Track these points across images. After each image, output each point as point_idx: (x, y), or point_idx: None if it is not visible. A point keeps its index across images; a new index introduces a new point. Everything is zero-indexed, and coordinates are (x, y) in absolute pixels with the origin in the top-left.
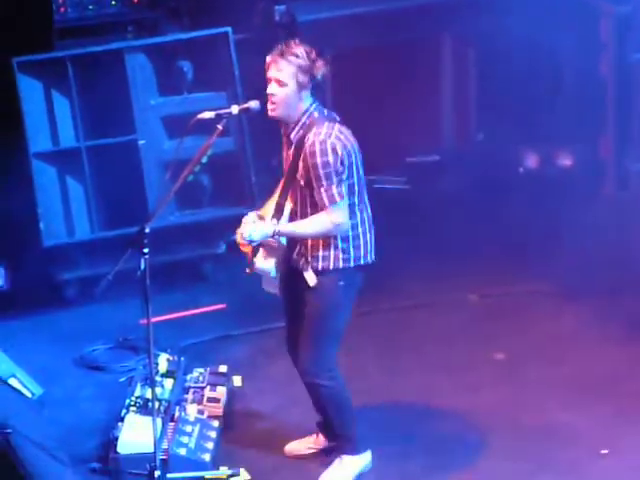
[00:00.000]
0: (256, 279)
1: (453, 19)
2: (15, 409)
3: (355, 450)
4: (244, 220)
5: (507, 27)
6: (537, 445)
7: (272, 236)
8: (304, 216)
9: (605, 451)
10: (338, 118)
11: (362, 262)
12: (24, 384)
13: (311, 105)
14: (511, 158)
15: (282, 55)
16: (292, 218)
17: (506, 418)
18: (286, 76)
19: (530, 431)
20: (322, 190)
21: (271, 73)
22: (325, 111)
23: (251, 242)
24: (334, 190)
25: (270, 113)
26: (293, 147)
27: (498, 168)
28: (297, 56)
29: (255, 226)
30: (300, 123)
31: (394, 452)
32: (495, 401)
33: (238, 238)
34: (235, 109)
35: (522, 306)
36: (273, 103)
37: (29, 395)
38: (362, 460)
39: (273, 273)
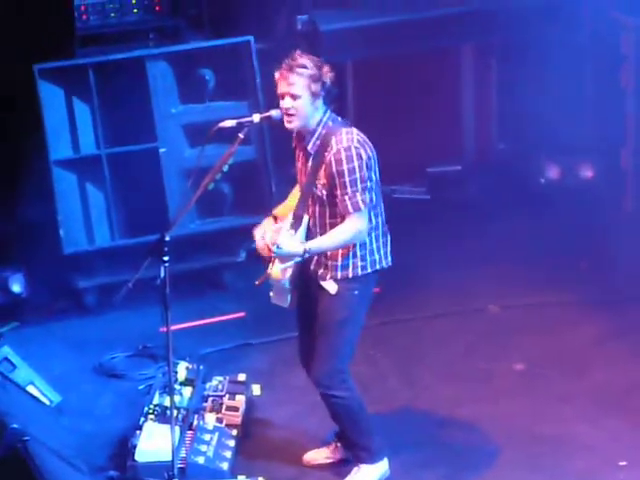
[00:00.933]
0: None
1: (475, 29)
2: (33, 417)
3: (372, 459)
4: (266, 227)
5: (529, 37)
6: (554, 456)
7: (302, 255)
8: (322, 227)
9: (623, 463)
10: (349, 123)
11: (378, 267)
12: (42, 392)
13: (324, 114)
14: (532, 169)
15: (291, 69)
16: (309, 229)
17: (524, 429)
18: (299, 89)
19: (548, 442)
20: (346, 197)
21: (282, 88)
22: (339, 118)
23: (276, 254)
24: (359, 197)
25: (288, 126)
26: (311, 159)
27: (519, 179)
28: (306, 67)
29: (287, 241)
30: (317, 134)
31: (412, 461)
32: (513, 412)
33: (262, 245)
34: (257, 117)
35: (542, 317)
36: (290, 115)
37: (47, 403)
38: (380, 469)
39: (287, 284)
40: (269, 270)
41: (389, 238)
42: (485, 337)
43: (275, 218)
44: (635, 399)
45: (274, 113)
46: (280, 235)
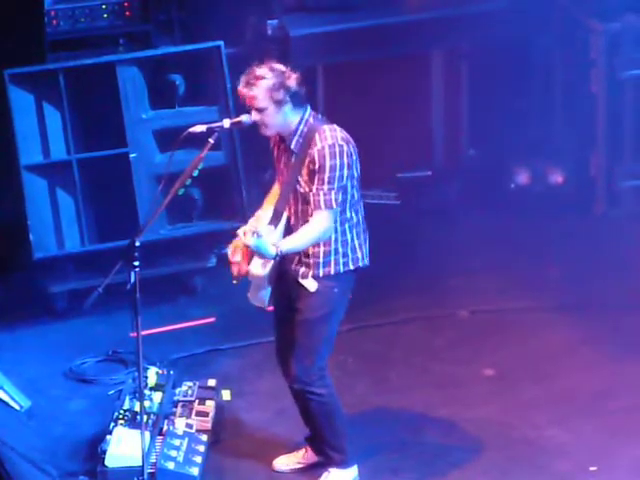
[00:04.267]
0: (245, 293)
1: (444, 34)
2: (2, 421)
3: (344, 463)
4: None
5: (498, 43)
6: (526, 461)
7: (274, 257)
8: (304, 225)
9: (594, 468)
10: (329, 121)
11: (361, 264)
12: (12, 396)
13: (305, 112)
14: (502, 174)
15: (248, 85)
16: (289, 228)
17: (496, 434)
18: (261, 102)
19: (520, 447)
20: (321, 193)
21: (247, 103)
22: (319, 116)
23: (254, 242)
24: (333, 195)
25: (264, 134)
26: (294, 157)
27: (489, 184)
28: (263, 78)
29: (266, 235)
30: (298, 132)
31: (383, 466)
32: (485, 417)
33: (236, 241)
34: (227, 123)
35: (512, 322)
36: (263, 126)
37: (17, 407)
38: (350, 474)
39: (267, 281)
40: (248, 266)
41: (367, 236)
42: (455, 342)
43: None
44: (606, 404)
45: (244, 118)
46: (260, 225)
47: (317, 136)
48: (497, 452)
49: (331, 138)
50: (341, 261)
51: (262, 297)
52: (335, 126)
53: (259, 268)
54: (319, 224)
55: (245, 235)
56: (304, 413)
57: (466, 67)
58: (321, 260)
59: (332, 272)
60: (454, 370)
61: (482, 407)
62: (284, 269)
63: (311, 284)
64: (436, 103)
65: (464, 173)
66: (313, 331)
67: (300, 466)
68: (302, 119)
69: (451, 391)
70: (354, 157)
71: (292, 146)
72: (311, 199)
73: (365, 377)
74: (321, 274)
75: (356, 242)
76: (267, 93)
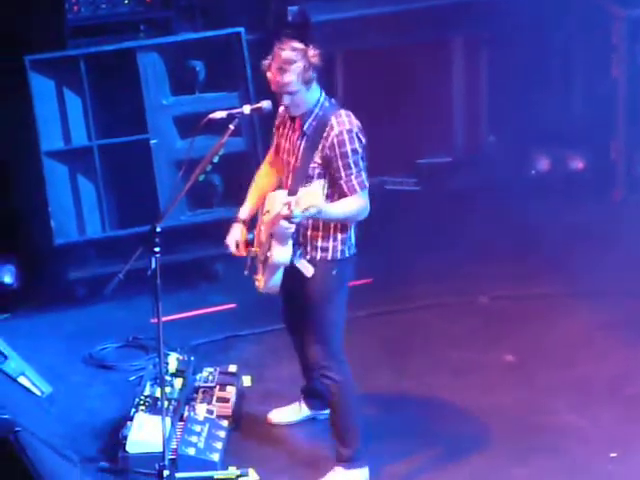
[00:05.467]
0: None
1: (465, 21)
2: (24, 407)
3: (351, 461)
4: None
5: (519, 29)
6: (545, 447)
7: (317, 214)
8: None
9: (614, 454)
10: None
11: (355, 250)
12: (33, 382)
13: (321, 94)
14: (522, 160)
15: (281, 70)
16: None
17: (515, 420)
18: (293, 85)
19: (538, 432)
20: (352, 177)
21: (277, 89)
22: (332, 100)
23: (294, 218)
24: (363, 176)
25: (292, 114)
26: (305, 138)
27: (509, 170)
28: (294, 61)
29: (310, 191)
30: (313, 114)
31: (402, 452)
32: (504, 403)
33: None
34: (247, 109)
35: (533, 308)
36: (293, 107)
37: (38, 393)
38: (357, 475)
39: (288, 263)
40: (271, 253)
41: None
42: (475, 328)
43: (244, 222)
44: (625, 390)
45: (265, 104)
46: (300, 194)
47: (333, 120)
48: (516, 438)
49: (349, 123)
50: (339, 248)
51: (276, 282)
52: (349, 112)
53: (284, 252)
54: (359, 202)
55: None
56: (324, 397)
57: (486, 53)
58: (319, 245)
59: (329, 258)
60: (473, 357)
61: (501, 394)
62: None
63: (307, 269)
64: (456, 89)
65: (484, 159)
66: (320, 314)
67: (297, 419)
68: (318, 101)
69: (470, 377)
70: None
71: (305, 128)
72: (344, 187)
73: (384, 363)
74: (318, 258)
75: (352, 231)
76: (299, 76)
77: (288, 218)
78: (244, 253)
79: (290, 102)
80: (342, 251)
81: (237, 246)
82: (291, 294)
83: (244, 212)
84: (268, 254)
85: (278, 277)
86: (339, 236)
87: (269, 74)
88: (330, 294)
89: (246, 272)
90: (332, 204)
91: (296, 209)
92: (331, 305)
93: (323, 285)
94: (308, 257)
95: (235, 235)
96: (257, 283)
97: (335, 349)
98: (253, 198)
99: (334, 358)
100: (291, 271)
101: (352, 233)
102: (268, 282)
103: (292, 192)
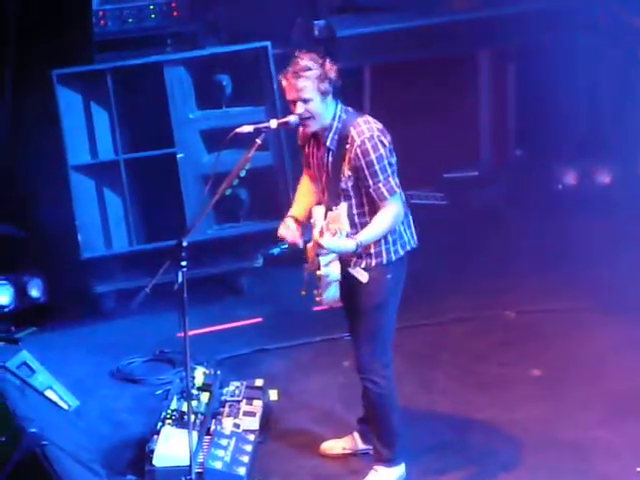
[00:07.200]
0: (292, 293)
1: (492, 35)
2: (51, 421)
3: (391, 461)
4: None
5: (545, 43)
6: (573, 462)
7: (355, 250)
8: (350, 218)
9: None
10: (360, 112)
11: (408, 248)
12: (60, 396)
13: (336, 107)
14: (549, 174)
15: (296, 75)
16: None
17: (542, 434)
18: (309, 93)
19: (566, 447)
20: (380, 185)
21: (292, 95)
22: (349, 109)
23: (328, 251)
24: (392, 182)
25: (307, 130)
26: (331, 153)
27: (536, 184)
28: (310, 68)
29: (337, 241)
30: (333, 129)
31: (429, 466)
32: (531, 417)
33: (310, 250)
34: (274, 123)
35: (559, 323)
36: (306, 119)
37: (65, 407)
38: (396, 472)
39: (339, 278)
40: (320, 271)
41: (411, 217)
42: (501, 343)
43: (295, 219)
44: None
45: (292, 119)
46: (324, 236)
47: (352, 130)
48: (543, 453)
49: (368, 131)
50: (392, 249)
51: (335, 294)
52: (367, 117)
53: (332, 269)
54: (390, 211)
55: (321, 237)
56: (366, 403)
57: (513, 67)
58: (373, 251)
59: (384, 261)
60: (500, 371)
61: (528, 408)
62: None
63: (362, 275)
64: (483, 103)
65: (511, 173)
66: (370, 319)
67: (346, 452)
68: (335, 115)
69: (497, 392)
70: (389, 139)
71: (328, 143)
72: (374, 195)
73: (411, 377)
74: (374, 264)
75: (401, 227)
76: (315, 83)
77: (321, 247)
78: (299, 242)
79: (304, 111)
80: (396, 251)
81: (288, 228)
82: (349, 303)
83: (294, 210)
84: (318, 273)
85: (334, 290)
86: (389, 238)
87: (284, 82)
88: (385, 300)
89: (303, 292)
90: (364, 231)
91: (326, 242)
92: (384, 311)
93: (379, 292)
94: (363, 265)
95: (289, 226)
96: (317, 298)
97: (382, 352)
98: (302, 198)
99: (380, 361)
100: (348, 280)
101: (402, 230)
102: (325, 296)
103: (329, 208)
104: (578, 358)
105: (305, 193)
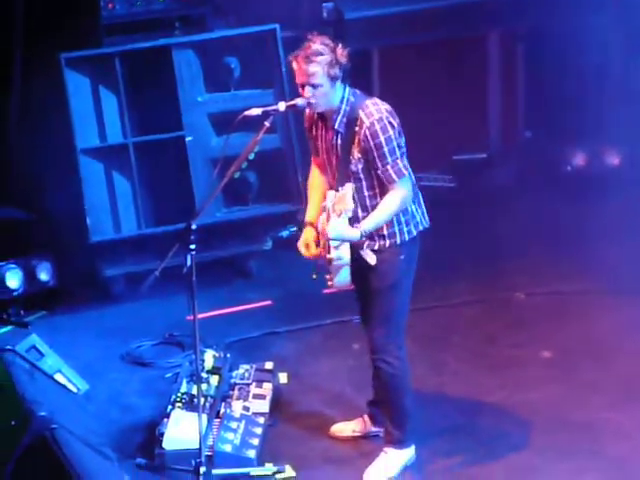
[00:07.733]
0: (301, 276)
1: (501, 16)
2: (61, 404)
3: (402, 443)
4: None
5: (555, 24)
6: (584, 443)
7: (360, 238)
8: (361, 200)
9: None
10: (367, 94)
11: (421, 228)
12: (70, 379)
13: (344, 91)
14: (559, 156)
15: (307, 60)
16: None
17: (553, 416)
18: (319, 78)
19: (577, 429)
20: (389, 167)
21: (302, 79)
22: (357, 91)
23: (333, 240)
24: (400, 165)
25: (314, 110)
26: (339, 136)
27: (545, 166)
28: (322, 53)
29: (341, 228)
30: (341, 111)
31: (439, 448)
32: (542, 399)
33: (305, 236)
34: (282, 106)
35: (568, 305)
36: (313, 101)
37: (75, 390)
38: (407, 454)
39: (348, 261)
40: (330, 255)
41: (421, 196)
42: (512, 325)
43: (311, 224)
44: None
45: (300, 101)
46: (329, 223)
47: (361, 113)
48: (554, 435)
49: (377, 112)
50: (405, 229)
51: (346, 278)
52: (375, 99)
53: (342, 252)
54: (397, 195)
55: (326, 226)
56: (377, 385)
57: (522, 49)
58: (385, 232)
59: (398, 242)
60: (511, 352)
61: (539, 389)
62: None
63: (371, 257)
64: (492, 85)
65: (520, 155)
66: (384, 300)
67: (355, 435)
68: (343, 98)
69: (508, 374)
70: (397, 120)
71: (336, 126)
72: (382, 177)
73: (422, 360)
74: (387, 244)
75: (413, 207)
76: (325, 69)
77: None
78: (315, 252)
79: (312, 96)
80: (409, 231)
81: (307, 247)
82: (362, 285)
83: (310, 215)
84: (328, 256)
85: (345, 274)
86: (402, 218)
87: (294, 64)
88: (398, 281)
89: (314, 276)
90: (369, 219)
91: (330, 231)
92: (398, 292)
93: (392, 273)
94: (377, 246)
95: (306, 238)
96: (328, 282)
97: (396, 333)
98: (314, 199)
99: (394, 342)
100: (360, 262)
101: (414, 210)
102: (336, 280)
103: (337, 190)
104: (589, 340)
105: (316, 188)
